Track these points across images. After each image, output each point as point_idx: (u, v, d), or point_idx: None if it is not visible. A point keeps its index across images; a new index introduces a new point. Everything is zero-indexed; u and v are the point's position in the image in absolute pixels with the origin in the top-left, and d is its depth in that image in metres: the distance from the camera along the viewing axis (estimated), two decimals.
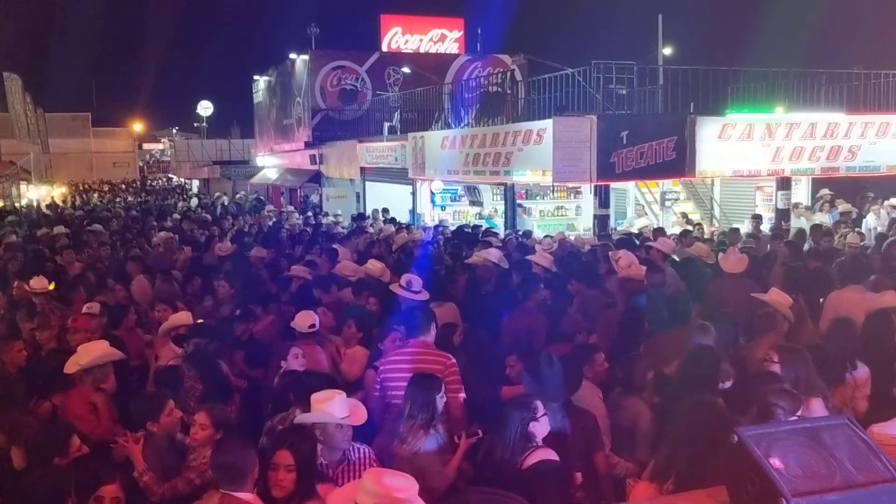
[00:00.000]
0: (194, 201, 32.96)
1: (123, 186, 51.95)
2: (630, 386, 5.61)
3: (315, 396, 4.60)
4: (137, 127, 64.36)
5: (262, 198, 34.49)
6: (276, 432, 4.91)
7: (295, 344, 6.59)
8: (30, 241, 15.78)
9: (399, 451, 4.82)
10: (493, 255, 10.28)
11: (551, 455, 4.44)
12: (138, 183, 56.61)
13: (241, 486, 4.06)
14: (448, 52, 33.00)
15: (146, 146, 68.11)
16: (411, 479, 3.59)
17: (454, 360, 5.82)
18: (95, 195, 43.37)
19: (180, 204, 31.49)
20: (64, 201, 35.99)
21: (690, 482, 3.62)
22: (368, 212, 21.31)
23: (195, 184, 51.06)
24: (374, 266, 9.75)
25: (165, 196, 41.84)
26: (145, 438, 4.96)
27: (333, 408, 4.51)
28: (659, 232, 13.05)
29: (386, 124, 25.23)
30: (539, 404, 4.55)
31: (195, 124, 62.01)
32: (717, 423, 3.99)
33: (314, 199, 30.78)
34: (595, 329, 7.39)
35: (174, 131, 64.89)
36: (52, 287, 9.58)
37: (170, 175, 61.60)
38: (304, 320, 6.92)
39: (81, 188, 49.11)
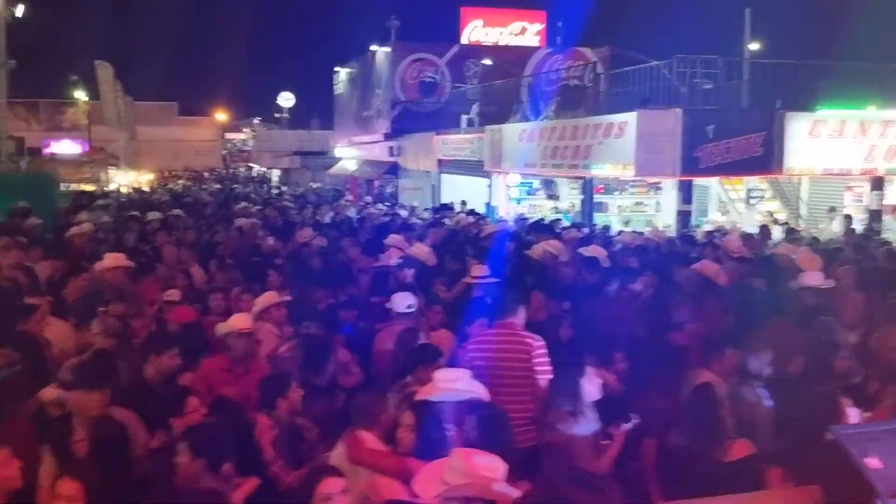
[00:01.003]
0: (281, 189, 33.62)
1: (206, 174, 53.33)
2: (748, 376, 5.44)
3: (441, 375, 4.65)
4: (221, 116, 66.00)
5: (339, 188, 35.00)
6: (401, 396, 5.02)
7: (391, 325, 6.69)
8: (119, 224, 16.32)
9: (548, 438, 4.79)
10: (555, 246, 10.31)
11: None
12: (221, 171, 58.05)
13: (369, 427, 4.55)
14: (528, 44, 32.82)
15: (229, 135, 69.74)
16: (498, 459, 3.59)
17: (542, 342, 5.80)
18: (180, 182, 44.69)
19: (274, 191, 32.11)
20: (151, 188, 37.18)
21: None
22: (440, 205, 21.42)
23: (275, 174, 52.06)
24: (419, 250, 10.15)
25: (247, 184, 42.78)
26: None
27: (459, 385, 4.58)
28: (728, 231, 12.86)
29: (463, 117, 25.27)
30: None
31: (276, 115, 63.31)
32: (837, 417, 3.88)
33: (389, 190, 31.08)
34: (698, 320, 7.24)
35: (256, 121, 66.28)
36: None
37: (250, 164, 62.92)
38: (403, 301, 6.96)
39: (167, 175, 50.66)
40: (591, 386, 4.89)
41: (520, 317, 6.08)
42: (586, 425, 4.77)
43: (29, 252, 11.28)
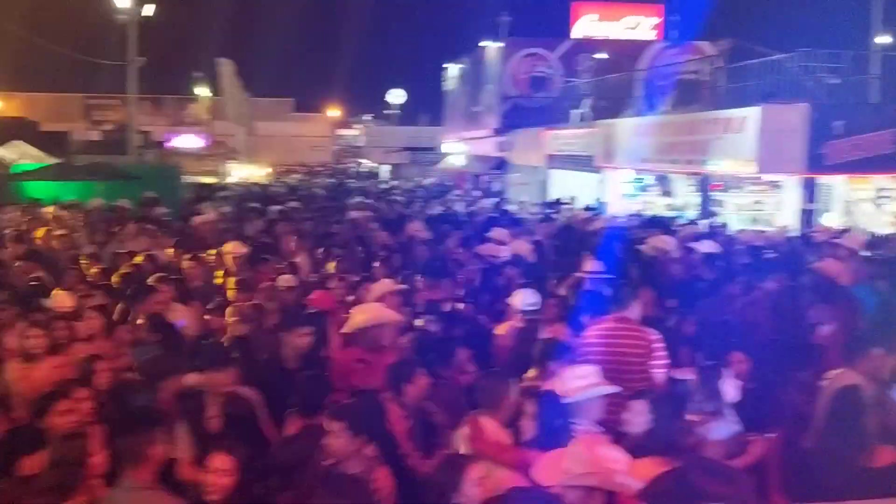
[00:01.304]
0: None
1: (319, 169, 54.62)
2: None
3: (571, 372, 4.61)
4: (334, 113, 67.44)
5: (447, 184, 35.23)
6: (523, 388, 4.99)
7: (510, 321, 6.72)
8: (240, 214, 16.92)
9: (684, 440, 4.64)
10: (668, 242, 10.17)
11: None
12: (332, 166, 59.34)
13: (494, 412, 4.55)
14: (643, 38, 32.16)
15: (340, 132, 71.21)
16: (623, 451, 3.52)
17: (659, 336, 5.68)
18: (294, 176, 45.95)
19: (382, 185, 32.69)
20: (268, 181, 38.42)
21: None
22: (549, 200, 21.25)
23: (384, 169, 52.86)
24: (520, 246, 10.30)
25: (357, 180, 43.63)
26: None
27: (591, 381, 4.54)
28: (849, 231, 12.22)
29: (575, 112, 24.98)
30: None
31: (386, 112, 64.24)
32: None
33: (496, 185, 31.05)
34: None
35: (367, 118, 67.43)
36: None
37: (360, 160, 64.08)
38: (525, 298, 6.93)
39: (283, 169, 52.15)
40: (729, 387, 4.72)
41: (635, 310, 5.98)
42: (725, 427, 4.60)
43: (157, 239, 11.89)
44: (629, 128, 19.77)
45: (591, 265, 8.30)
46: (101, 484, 4.02)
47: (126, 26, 26.94)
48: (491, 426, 4.54)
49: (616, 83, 24.67)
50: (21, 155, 22.14)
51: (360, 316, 6.26)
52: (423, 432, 4.93)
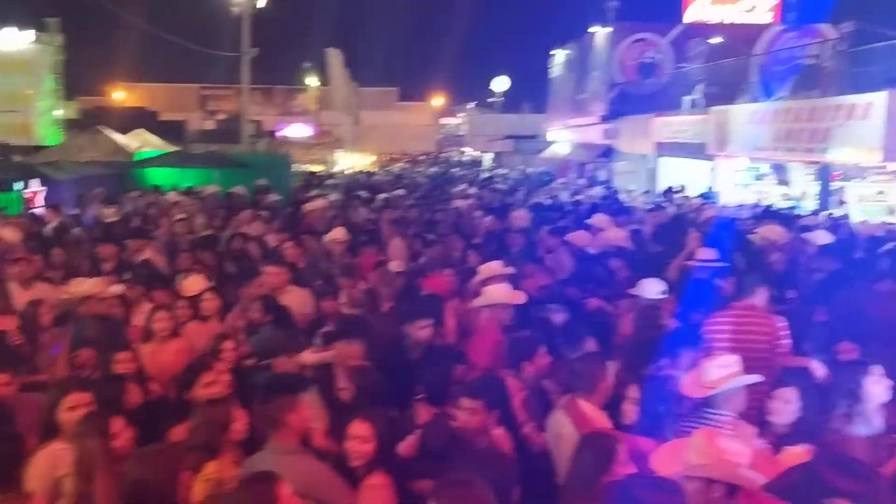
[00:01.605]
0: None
1: (422, 158, 55.13)
2: None
3: (715, 361, 4.48)
4: (437, 102, 67.86)
5: (550, 172, 34.91)
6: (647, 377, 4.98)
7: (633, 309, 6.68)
8: (347, 202, 17.24)
9: (827, 433, 4.48)
10: (778, 232, 9.93)
11: None
12: (435, 155, 59.79)
13: (589, 394, 4.56)
14: (759, 22, 30.91)
15: (443, 120, 71.57)
16: (745, 445, 3.39)
17: (785, 324, 5.52)
18: (398, 165, 46.57)
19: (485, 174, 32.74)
20: (372, 170, 39.07)
21: None
22: (660, 188, 20.74)
23: (487, 157, 52.82)
24: (616, 234, 10.27)
25: (460, 168, 43.80)
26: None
27: (739, 370, 4.40)
28: None
29: (686, 98, 24.31)
30: None
31: (490, 99, 64.14)
32: None
33: (602, 174, 30.56)
34: None
35: (470, 106, 67.47)
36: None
37: (463, 149, 64.24)
38: (653, 287, 6.83)
39: (387, 158, 52.92)
40: (878, 387, 4.42)
41: (760, 298, 5.88)
42: (865, 427, 4.34)
43: (269, 224, 12.24)
44: (744, 115, 19.07)
45: (703, 253, 8.14)
46: (241, 450, 4.24)
47: (240, 18, 27.75)
48: (587, 408, 4.53)
49: (730, 68, 23.86)
50: (143, 143, 23.19)
51: (489, 296, 6.36)
52: (539, 408, 4.95)
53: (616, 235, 10.29)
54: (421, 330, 5.80)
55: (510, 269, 7.62)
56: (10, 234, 9.64)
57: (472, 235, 11.64)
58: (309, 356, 5.55)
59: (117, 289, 6.94)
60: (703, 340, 5.60)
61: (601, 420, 4.53)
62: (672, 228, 11.59)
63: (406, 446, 4.40)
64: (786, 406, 4.38)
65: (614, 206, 15.79)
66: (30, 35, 29.26)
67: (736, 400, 4.33)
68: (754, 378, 4.40)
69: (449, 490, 3.24)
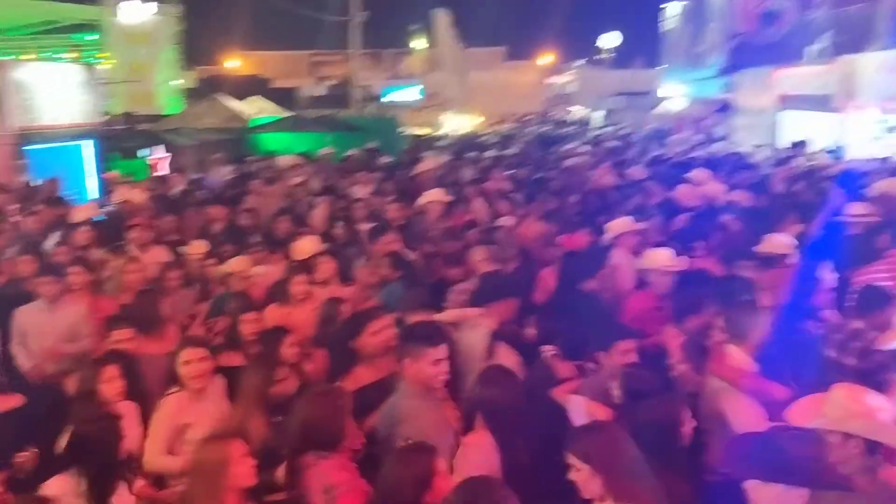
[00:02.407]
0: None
1: (530, 117, 54.39)
2: None
3: None
4: (544, 60, 66.63)
5: (664, 129, 33.87)
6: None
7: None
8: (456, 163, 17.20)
9: None
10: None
11: None
12: (543, 114, 58.90)
13: (741, 340, 4.55)
14: None
15: (551, 79, 70.34)
16: (889, 399, 3.17)
17: None
18: (505, 125, 46.14)
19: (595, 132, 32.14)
20: (480, 131, 38.88)
21: None
22: (780, 143, 19.82)
23: (598, 115, 51.68)
24: (714, 187, 10.02)
25: (569, 126, 43.03)
26: None
27: None
28: None
29: (810, 48, 23.01)
30: None
31: (599, 56, 62.55)
32: None
33: (719, 130, 29.43)
34: None
35: (578, 63, 66.00)
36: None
37: (571, 107, 63.08)
38: (782, 240, 6.68)
39: (494, 119, 52.46)
40: None
41: None
42: None
43: (382, 186, 12.34)
44: (876, 63, 17.90)
45: (856, 208, 7.92)
46: None
47: None
48: (736, 353, 4.53)
49: (860, 14, 22.29)
50: (258, 110, 23.79)
51: (651, 260, 6.29)
52: (695, 353, 4.98)
53: (716, 189, 9.91)
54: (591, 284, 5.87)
55: (641, 225, 7.44)
56: (138, 196, 10.09)
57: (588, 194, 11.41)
58: (448, 314, 5.68)
59: (261, 269, 7.08)
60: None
61: (747, 365, 4.52)
62: (803, 184, 11.03)
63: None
64: None
65: (737, 162, 15.17)
66: (151, 7, 30.33)
67: None
68: None
69: (588, 435, 3.24)
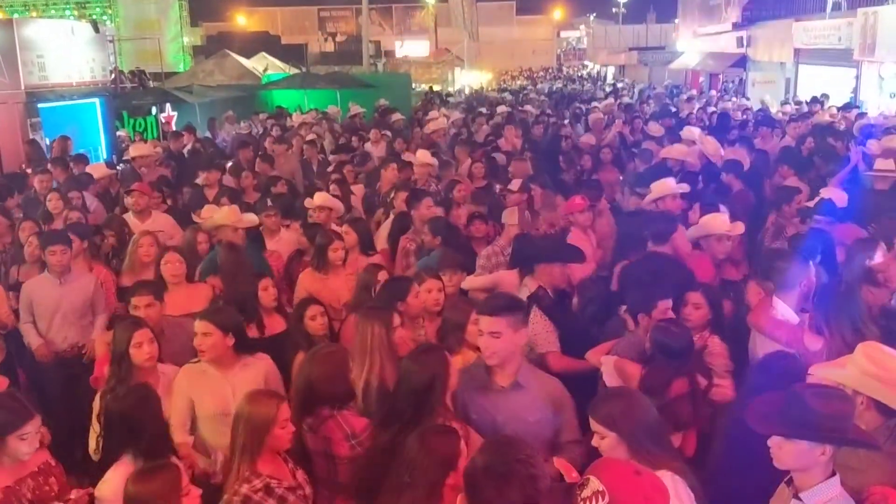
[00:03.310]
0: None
1: (542, 73, 53.88)
2: None
3: None
4: (557, 14, 65.75)
5: (679, 84, 33.47)
6: None
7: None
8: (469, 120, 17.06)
9: None
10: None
11: None
12: (555, 70, 58.33)
13: (787, 292, 4.62)
14: None
15: (563, 34, 69.48)
16: None
17: None
18: (517, 82, 45.71)
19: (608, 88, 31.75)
20: (491, 87, 38.53)
21: None
22: (800, 98, 19.50)
23: (610, 71, 51.12)
24: (709, 145, 9.82)
25: (583, 83, 42.59)
26: None
27: None
28: None
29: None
30: None
31: (613, 10, 61.65)
32: None
33: (734, 84, 29.05)
34: None
35: (592, 18, 65.13)
36: None
37: (584, 62, 62.38)
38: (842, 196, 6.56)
39: (505, 75, 52.02)
40: None
41: None
42: None
43: (394, 144, 12.25)
44: None
45: (881, 164, 7.81)
46: None
47: None
48: (780, 305, 4.54)
49: None
50: (268, 67, 23.60)
51: (707, 226, 6.12)
52: None
53: (713, 148, 9.75)
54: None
55: (684, 187, 7.28)
56: (149, 149, 10.05)
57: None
58: (472, 280, 5.69)
59: (251, 217, 6.89)
60: None
61: (789, 316, 4.52)
62: (823, 138, 10.88)
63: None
64: None
65: (757, 118, 15.01)
66: None
67: None
68: None
69: (611, 402, 3.26)
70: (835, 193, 6.62)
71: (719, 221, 6.06)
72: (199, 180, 9.36)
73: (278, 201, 7.72)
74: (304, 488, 3.52)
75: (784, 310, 4.53)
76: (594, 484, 2.36)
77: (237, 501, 3.29)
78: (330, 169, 9.92)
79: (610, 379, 4.18)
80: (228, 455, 3.54)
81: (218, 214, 6.73)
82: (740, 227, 6.06)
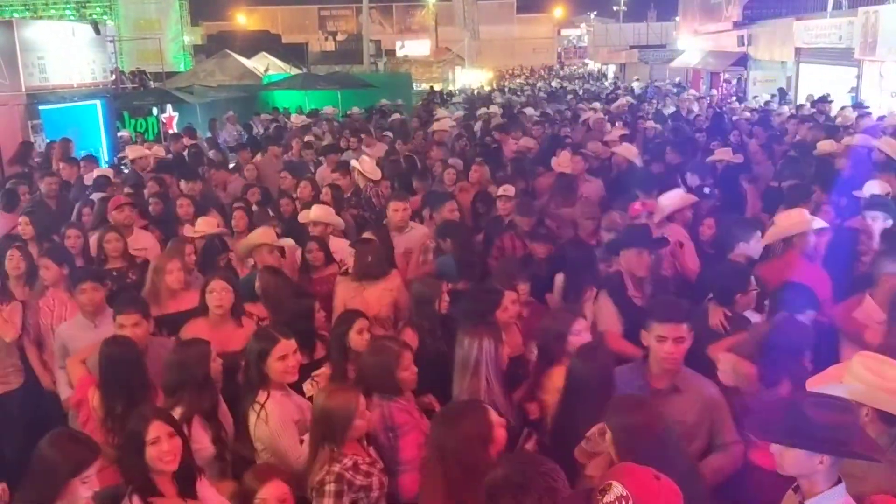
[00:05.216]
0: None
1: (543, 72, 53.82)
2: None
3: None
4: (558, 12, 65.67)
5: (681, 83, 33.45)
6: None
7: None
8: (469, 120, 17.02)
9: None
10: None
11: None
12: (556, 68, 58.25)
13: (872, 291, 4.72)
14: None
15: (564, 32, 69.40)
16: None
17: None
18: (517, 80, 45.64)
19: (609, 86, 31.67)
20: (492, 86, 38.46)
21: None
22: (800, 98, 19.51)
23: (611, 69, 51.08)
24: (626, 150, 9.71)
25: (583, 82, 42.55)
26: None
27: None
28: None
29: None
30: None
31: (613, 8, 61.61)
32: None
33: (735, 83, 29.05)
34: None
35: (592, 16, 65.06)
36: None
37: (585, 61, 62.32)
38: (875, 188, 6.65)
39: (506, 73, 51.94)
40: None
41: None
42: None
43: (394, 145, 12.22)
44: None
45: None
46: None
47: None
48: (869, 305, 4.62)
49: None
50: (269, 67, 23.60)
51: (790, 222, 5.78)
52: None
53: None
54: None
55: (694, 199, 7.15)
56: (144, 151, 10.05)
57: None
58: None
59: (288, 242, 6.54)
60: None
61: (876, 316, 4.56)
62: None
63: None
64: None
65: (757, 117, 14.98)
66: None
67: None
68: None
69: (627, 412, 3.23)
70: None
71: (802, 217, 5.70)
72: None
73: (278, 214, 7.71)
74: (379, 463, 3.77)
75: (871, 309, 4.60)
76: (617, 489, 2.39)
77: (330, 479, 3.52)
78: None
79: (725, 377, 4.08)
80: (310, 444, 3.73)
81: (254, 235, 6.25)
82: (820, 222, 5.78)
